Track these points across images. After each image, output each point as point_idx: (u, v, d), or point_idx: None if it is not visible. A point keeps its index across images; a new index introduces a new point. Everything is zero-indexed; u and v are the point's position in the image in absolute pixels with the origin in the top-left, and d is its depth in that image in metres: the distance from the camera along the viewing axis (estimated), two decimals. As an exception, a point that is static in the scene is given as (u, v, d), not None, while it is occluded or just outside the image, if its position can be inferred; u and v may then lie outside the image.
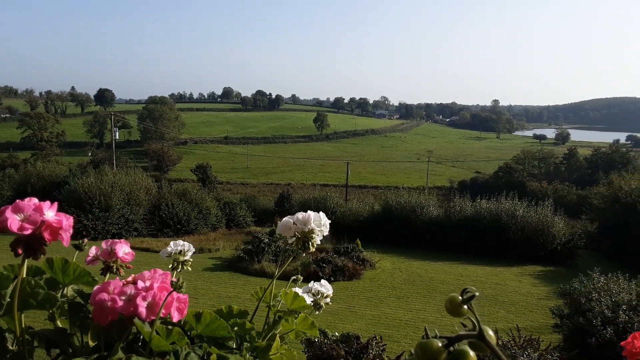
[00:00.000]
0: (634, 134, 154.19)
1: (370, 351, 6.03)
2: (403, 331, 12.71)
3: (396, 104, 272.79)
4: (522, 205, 24.02)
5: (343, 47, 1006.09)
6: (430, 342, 0.52)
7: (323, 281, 1.13)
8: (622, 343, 1.03)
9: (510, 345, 7.03)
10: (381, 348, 5.93)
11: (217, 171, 64.43)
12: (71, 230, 0.75)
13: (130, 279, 0.81)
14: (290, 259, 1.05)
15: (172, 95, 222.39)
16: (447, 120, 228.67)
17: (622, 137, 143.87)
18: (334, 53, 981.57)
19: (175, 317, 0.77)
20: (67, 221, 0.75)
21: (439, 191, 52.25)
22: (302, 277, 1.16)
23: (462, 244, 23.54)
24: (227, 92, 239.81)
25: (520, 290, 17.45)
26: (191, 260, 1.03)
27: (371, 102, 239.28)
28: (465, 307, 0.56)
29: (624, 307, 9.71)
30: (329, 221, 1.03)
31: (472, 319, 0.55)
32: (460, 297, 0.57)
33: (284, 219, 1.02)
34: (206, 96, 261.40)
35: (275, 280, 1.01)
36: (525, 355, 6.70)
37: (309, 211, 1.01)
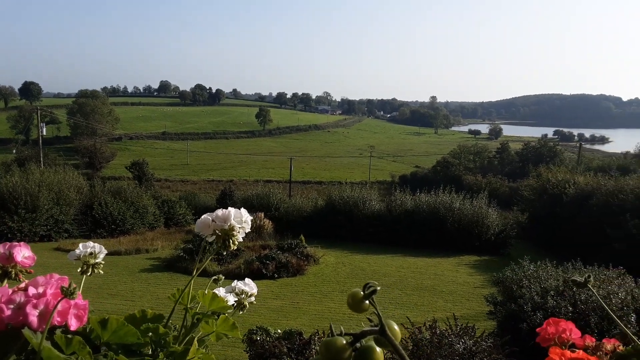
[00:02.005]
0: (560, 128, 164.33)
1: (313, 347, 6.05)
2: (347, 325, 12.86)
3: (339, 99, 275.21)
4: (458, 198, 24.93)
5: (285, 42, 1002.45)
6: (334, 340, 0.50)
7: (247, 280, 1.09)
8: (537, 329, 1.07)
9: (447, 334, 7.28)
10: (323, 342, 5.94)
11: (155, 168, 62.35)
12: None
13: (22, 285, 0.74)
14: (209, 259, 1.00)
15: (104, 88, 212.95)
16: (388, 116, 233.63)
17: (549, 131, 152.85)
18: (276, 48, 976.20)
19: (74, 326, 0.71)
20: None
21: (380, 185, 53.27)
22: (223, 277, 1.12)
23: (402, 236, 24.14)
24: (165, 86, 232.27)
25: (458, 279, 18.14)
26: (103, 262, 0.97)
27: (314, 97, 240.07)
28: (367, 302, 0.55)
29: (552, 292, 10.29)
30: (251, 217, 0.99)
31: (385, 314, 0.53)
32: (362, 292, 0.55)
33: (202, 217, 0.97)
34: (142, 90, 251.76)
35: (192, 280, 0.96)
36: (461, 343, 6.96)
37: (229, 208, 0.97)
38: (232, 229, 0.95)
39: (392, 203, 26.07)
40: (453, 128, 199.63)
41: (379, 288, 0.55)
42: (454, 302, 15.22)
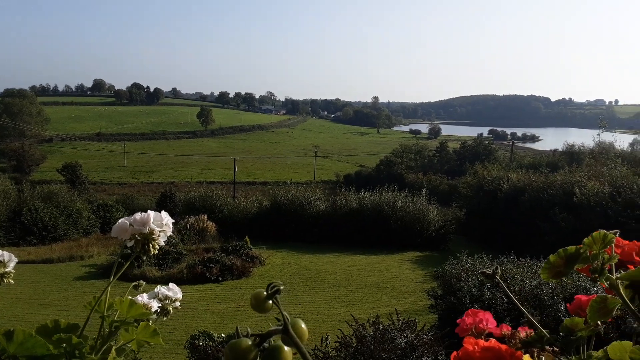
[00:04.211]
0: (495, 128, 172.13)
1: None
2: (293, 325, 12.86)
3: (282, 99, 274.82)
4: (401, 196, 25.50)
5: (227, 40, 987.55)
6: (239, 342, 0.50)
7: (171, 284, 1.06)
8: (457, 320, 1.11)
9: (390, 329, 7.44)
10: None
11: (89, 171, 59.71)
12: None
13: None
14: (126, 265, 0.97)
15: (33, 87, 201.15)
16: (332, 116, 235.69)
17: (485, 131, 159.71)
18: (218, 46, 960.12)
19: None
20: None
21: (326, 185, 53.66)
22: (144, 283, 1.09)
23: (348, 235, 24.41)
24: (99, 85, 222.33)
25: (401, 275, 18.57)
26: (13, 271, 0.91)
27: (257, 97, 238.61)
28: (271, 302, 0.55)
29: (488, 285, 10.76)
30: (172, 220, 0.97)
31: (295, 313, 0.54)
32: (265, 292, 0.55)
33: (119, 220, 0.94)
34: (74, 89, 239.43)
35: (109, 287, 0.93)
36: (403, 337, 7.13)
37: (149, 211, 0.94)
38: (151, 232, 0.92)
39: (337, 202, 26.30)
40: (395, 128, 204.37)
41: (282, 287, 0.55)
42: (397, 297, 15.57)
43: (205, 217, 24.63)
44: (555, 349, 0.90)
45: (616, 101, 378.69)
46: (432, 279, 16.44)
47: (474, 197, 26.86)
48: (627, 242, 0.86)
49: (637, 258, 0.84)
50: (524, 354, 0.99)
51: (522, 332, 1.01)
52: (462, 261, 13.44)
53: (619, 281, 0.68)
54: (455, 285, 11.54)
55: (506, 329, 1.06)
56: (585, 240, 0.70)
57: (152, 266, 17.57)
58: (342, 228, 24.67)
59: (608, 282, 0.70)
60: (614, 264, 0.74)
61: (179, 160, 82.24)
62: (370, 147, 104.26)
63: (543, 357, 0.93)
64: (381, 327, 7.38)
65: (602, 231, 0.70)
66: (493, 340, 0.93)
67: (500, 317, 9.32)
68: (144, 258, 0.96)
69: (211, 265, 17.42)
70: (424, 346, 7.02)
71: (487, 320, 1.04)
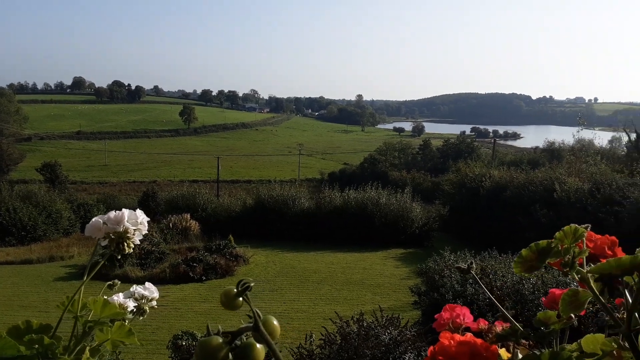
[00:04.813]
0: (477, 125, 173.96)
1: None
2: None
3: (266, 97, 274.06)
4: (385, 193, 25.65)
5: (210, 37, 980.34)
6: (209, 340, 0.49)
7: (147, 284, 1.05)
8: (435, 316, 1.12)
9: (374, 326, 7.48)
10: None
11: (69, 170, 58.79)
12: None
13: None
14: (100, 264, 0.96)
15: (10, 85, 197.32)
16: (316, 114, 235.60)
17: (467, 128, 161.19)
18: (201, 44, 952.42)
19: None
20: None
21: (310, 183, 53.64)
22: (119, 282, 1.07)
23: (332, 233, 24.46)
24: (79, 83, 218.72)
25: (385, 272, 18.68)
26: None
27: (241, 95, 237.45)
28: (241, 299, 0.54)
29: (470, 280, 10.88)
30: (148, 219, 0.96)
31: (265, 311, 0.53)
32: (235, 290, 0.55)
33: (93, 219, 0.93)
34: (53, 87, 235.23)
35: (82, 287, 0.91)
36: (387, 334, 7.18)
37: (123, 209, 0.93)
38: (126, 231, 0.91)
39: (321, 200, 26.34)
40: (379, 126, 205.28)
41: (252, 284, 0.54)
42: (381, 294, 15.66)
43: (189, 216, 24.45)
44: (532, 342, 0.91)
45: (595, 99, 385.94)
46: (415, 275, 16.58)
47: (457, 194, 27.13)
48: (599, 236, 0.88)
49: (609, 252, 0.86)
50: (501, 347, 1.01)
51: (499, 327, 1.02)
52: (445, 258, 13.58)
53: (589, 274, 0.69)
54: (438, 282, 11.65)
55: (483, 324, 1.07)
56: (557, 234, 0.71)
57: (134, 266, 17.39)
58: (326, 226, 24.72)
59: (579, 276, 0.71)
60: (585, 257, 0.75)
61: (161, 158, 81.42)
62: (354, 145, 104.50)
63: (518, 351, 0.94)
64: (365, 324, 7.42)
65: (573, 225, 0.71)
66: (469, 334, 0.94)
67: (483, 312, 9.44)
68: (119, 257, 0.95)
69: (194, 264, 17.31)
70: (408, 342, 7.08)
71: (464, 315, 1.05)
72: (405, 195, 25.51)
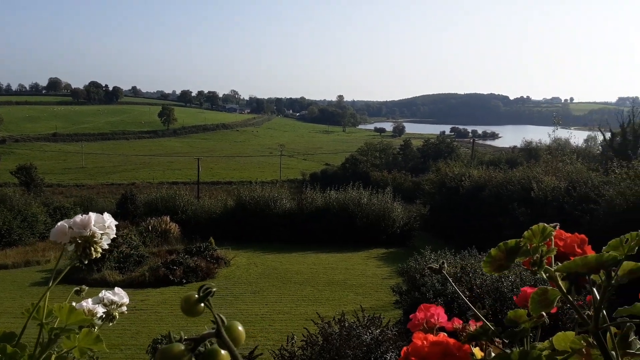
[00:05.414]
0: (457, 126, 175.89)
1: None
2: (259, 325, 12.80)
3: (247, 98, 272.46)
4: (366, 193, 25.77)
5: (189, 38, 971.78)
6: (170, 347, 0.48)
7: (117, 289, 1.03)
8: (410, 316, 1.12)
9: (355, 326, 7.50)
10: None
11: (45, 172, 57.52)
12: None
13: None
14: (67, 268, 0.93)
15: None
16: (297, 114, 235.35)
17: (447, 129, 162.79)
18: (180, 43, 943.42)
19: None
20: None
21: (291, 184, 53.51)
22: (86, 288, 1.05)
23: (314, 233, 24.46)
24: (55, 84, 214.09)
25: (367, 272, 18.75)
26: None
27: (221, 95, 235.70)
28: (203, 305, 0.53)
29: (450, 279, 10.99)
30: (116, 222, 0.93)
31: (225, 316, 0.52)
32: (196, 295, 0.53)
33: (58, 224, 0.90)
34: (28, 88, 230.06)
35: (49, 293, 0.89)
36: (368, 334, 7.20)
37: (90, 212, 0.90)
38: (93, 235, 0.89)
39: (303, 201, 26.32)
40: (360, 126, 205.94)
41: (215, 289, 0.53)
42: (363, 294, 15.71)
43: (168, 218, 24.17)
44: (505, 340, 0.92)
45: (571, 99, 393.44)
46: (397, 275, 16.68)
47: (437, 194, 27.39)
48: (569, 234, 0.88)
49: (578, 250, 0.87)
50: (475, 346, 1.01)
51: (473, 326, 1.03)
52: (425, 257, 13.69)
53: (557, 273, 0.70)
54: (419, 281, 11.74)
55: (457, 323, 1.07)
56: (525, 233, 0.71)
57: (112, 270, 17.13)
58: (308, 227, 24.71)
59: (547, 274, 0.71)
60: (554, 256, 0.75)
61: (140, 160, 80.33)
62: (335, 146, 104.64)
63: (491, 350, 0.94)
64: (347, 325, 7.43)
65: (541, 224, 0.72)
66: (442, 334, 0.95)
67: (463, 310, 9.54)
68: (86, 262, 0.92)
69: (174, 267, 17.13)
70: (389, 342, 7.11)
71: (439, 315, 1.05)
72: (386, 195, 25.65)
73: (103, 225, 0.91)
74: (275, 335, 11.73)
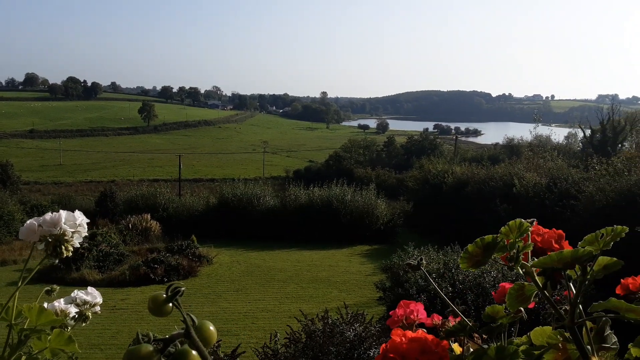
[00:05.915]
0: (440, 122, 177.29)
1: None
2: (242, 323, 12.75)
3: (229, 94, 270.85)
4: (350, 190, 25.82)
5: (169, 32, 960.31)
6: (138, 348, 0.46)
7: (90, 288, 1.00)
8: (390, 312, 1.12)
9: (339, 323, 7.51)
10: (215, 345, 5.82)
11: (22, 170, 56.41)
12: None
13: None
14: (37, 268, 0.90)
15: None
16: (281, 111, 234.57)
17: (430, 126, 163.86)
18: (160, 38, 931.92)
19: None
20: None
21: (275, 181, 53.31)
22: (57, 287, 1.02)
23: (298, 231, 24.42)
24: (31, 79, 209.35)
25: (351, 269, 18.81)
26: None
27: (203, 91, 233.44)
28: (171, 304, 0.51)
29: (434, 275, 11.09)
30: (87, 220, 0.91)
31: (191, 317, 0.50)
32: (164, 295, 0.52)
33: (27, 222, 0.87)
34: (4, 83, 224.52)
35: (17, 293, 0.86)
36: (352, 330, 7.22)
37: (60, 210, 0.88)
38: (64, 234, 0.86)
39: (286, 198, 26.27)
40: (344, 123, 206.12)
41: (183, 289, 0.52)
42: (347, 291, 15.77)
43: (149, 216, 23.91)
44: (484, 336, 0.92)
45: (552, 96, 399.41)
46: (380, 271, 16.77)
47: (421, 191, 27.58)
48: (547, 230, 0.89)
49: (556, 245, 0.87)
50: (454, 342, 1.01)
51: (452, 322, 1.03)
52: (409, 253, 13.78)
53: (533, 268, 0.70)
54: (402, 277, 11.82)
55: (437, 319, 1.07)
56: (502, 229, 0.71)
57: (91, 269, 16.91)
58: (292, 224, 24.67)
59: (523, 270, 0.71)
60: (531, 251, 0.75)
61: (119, 157, 79.22)
62: (319, 143, 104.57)
63: (469, 345, 0.94)
64: (330, 322, 7.44)
65: (518, 220, 0.72)
66: (420, 330, 0.94)
67: (446, 305, 9.65)
68: (56, 261, 0.90)
69: (155, 265, 16.97)
70: (372, 338, 7.14)
71: (418, 311, 1.05)
72: (370, 192, 25.75)
73: (74, 223, 0.88)
74: (258, 333, 11.70)
